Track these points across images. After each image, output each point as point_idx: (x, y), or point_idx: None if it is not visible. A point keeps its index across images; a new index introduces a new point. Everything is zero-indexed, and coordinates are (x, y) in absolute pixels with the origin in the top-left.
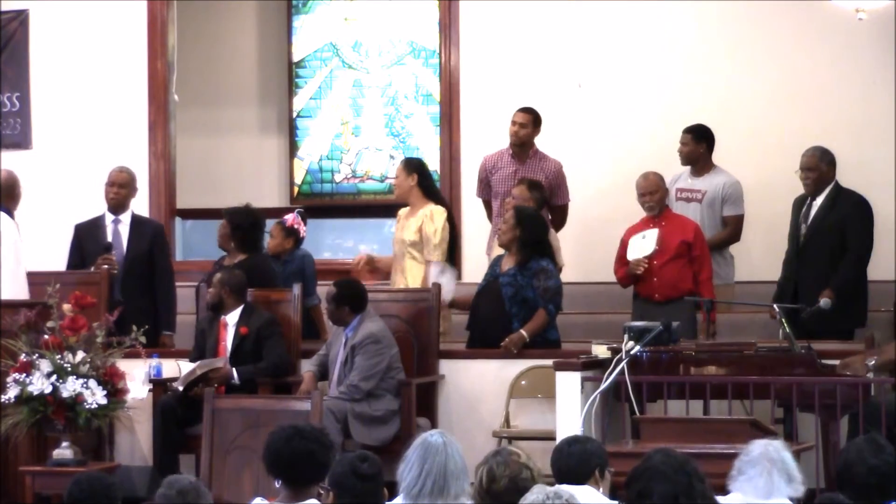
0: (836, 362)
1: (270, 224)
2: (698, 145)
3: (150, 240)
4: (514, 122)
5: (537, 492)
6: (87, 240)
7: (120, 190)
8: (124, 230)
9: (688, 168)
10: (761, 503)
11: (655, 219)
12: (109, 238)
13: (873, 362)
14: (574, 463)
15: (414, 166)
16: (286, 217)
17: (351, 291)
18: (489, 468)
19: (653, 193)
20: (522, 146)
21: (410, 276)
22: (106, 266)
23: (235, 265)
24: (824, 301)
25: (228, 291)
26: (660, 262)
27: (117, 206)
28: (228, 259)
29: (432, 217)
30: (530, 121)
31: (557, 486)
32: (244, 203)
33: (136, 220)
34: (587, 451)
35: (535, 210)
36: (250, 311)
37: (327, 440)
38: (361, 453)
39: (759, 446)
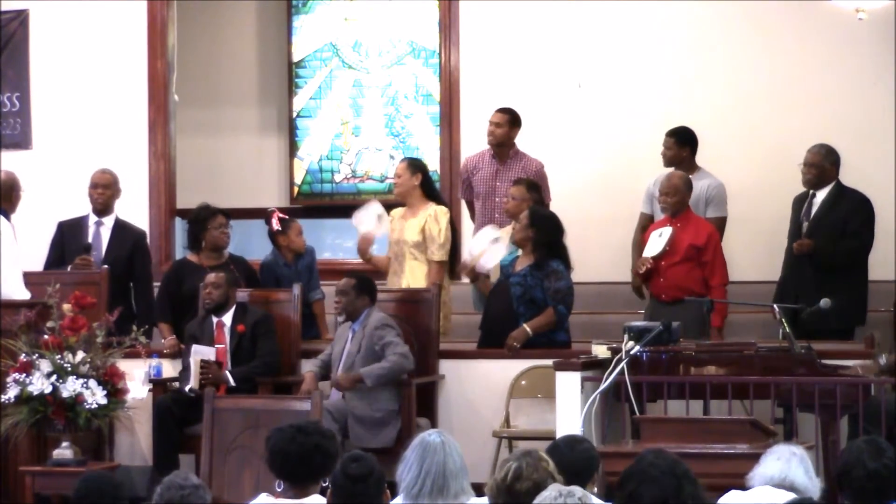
0: (837, 363)
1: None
2: (681, 149)
3: (131, 246)
4: (490, 122)
5: (550, 489)
6: (69, 238)
7: (105, 191)
8: (106, 233)
9: (672, 169)
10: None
11: (672, 219)
12: (90, 240)
13: (884, 360)
14: (581, 464)
15: (418, 166)
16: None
17: (369, 283)
18: (518, 466)
19: (668, 195)
20: (501, 146)
21: (412, 276)
22: (85, 267)
23: (227, 263)
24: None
25: (235, 291)
26: (667, 263)
27: (103, 208)
28: (206, 260)
29: (437, 217)
30: (507, 120)
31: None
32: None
33: (119, 225)
34: (589, 451)
35: (550, 211)
36: (244, 308)
37: (328, 431)
38: (354, 453)
39: (782, 444)
